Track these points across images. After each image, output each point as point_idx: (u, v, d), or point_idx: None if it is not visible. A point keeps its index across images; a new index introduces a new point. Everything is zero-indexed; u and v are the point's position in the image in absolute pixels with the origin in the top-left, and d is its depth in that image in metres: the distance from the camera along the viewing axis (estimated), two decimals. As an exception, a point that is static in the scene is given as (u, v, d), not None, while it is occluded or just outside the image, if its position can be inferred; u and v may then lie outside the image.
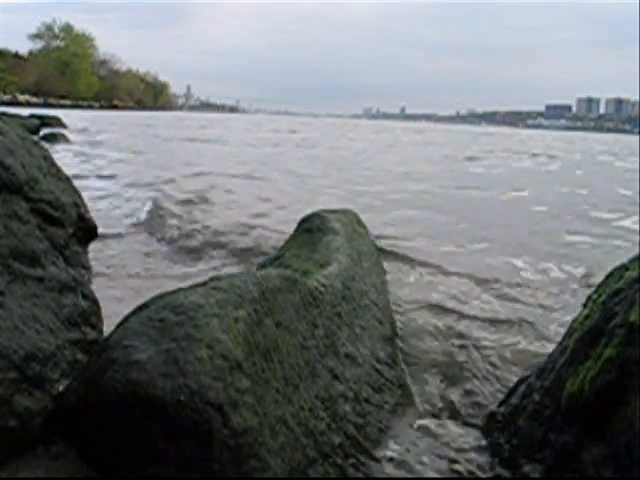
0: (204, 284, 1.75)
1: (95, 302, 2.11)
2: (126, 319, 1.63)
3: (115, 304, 2.77)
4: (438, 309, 3.44)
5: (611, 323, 1.71)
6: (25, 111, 24.35)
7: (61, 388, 1.67)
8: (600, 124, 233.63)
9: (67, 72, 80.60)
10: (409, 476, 1.83)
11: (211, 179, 8.63)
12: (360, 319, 2.62)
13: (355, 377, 2.21)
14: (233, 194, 7.26)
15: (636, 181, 11.41)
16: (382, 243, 4.39)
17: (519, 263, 4.50)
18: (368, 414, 2.13)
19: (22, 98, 65.52)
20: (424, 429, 2.11)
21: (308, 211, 3.42)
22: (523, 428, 1.99)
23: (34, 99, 67.87)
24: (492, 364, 2.71)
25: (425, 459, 1.92)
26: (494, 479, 1.84)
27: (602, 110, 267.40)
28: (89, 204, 2.63)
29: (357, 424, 2.02)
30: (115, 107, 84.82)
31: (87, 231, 2.27)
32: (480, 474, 1.85)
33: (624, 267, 1.91)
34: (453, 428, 2.12)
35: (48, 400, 1.62)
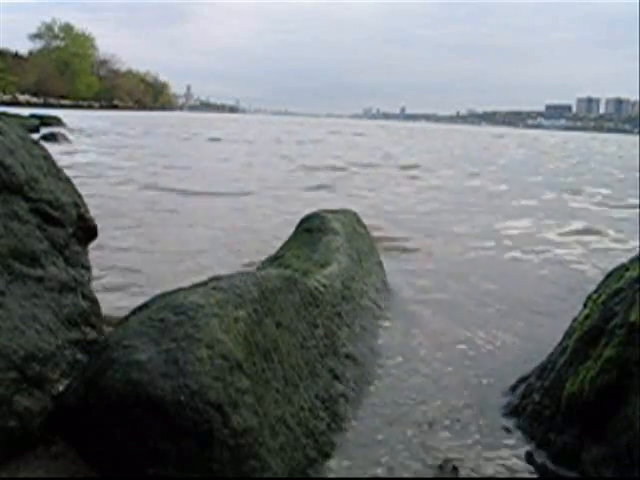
0: (204, 284, 1.75)
1: (95, 302, 2.10)
2: (126, 319, 1.63)
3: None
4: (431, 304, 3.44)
5: (611, 323, 1.71)
6: (25, 111, 24.26)
7: (61, 388, 1.67)
8: (600, 124, 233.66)
9: (67, 72, 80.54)
10: (408, 475, 1.83)
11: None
12: (360, 319, 2.62)
13: (355, 377, 2.21)
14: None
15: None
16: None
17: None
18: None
19: (22, 98, 65.47)
20: (424, 429, 2.10)
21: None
22: (523, 428, 2.00)
23: (34, 99, 67.82)
24: (493, 363, 2.71)
25: (425, 459, 1.91)
26: (494, 479, 1.83)
27: (602, 110, 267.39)
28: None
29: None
30: (115, 107, 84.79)
31: (87, 231, 2.26)
32: (480, 474, 1.85)
33: (624, 267, 1.91)
34: (453, 428, 2.12)
35: (48, 400, 1.62)
